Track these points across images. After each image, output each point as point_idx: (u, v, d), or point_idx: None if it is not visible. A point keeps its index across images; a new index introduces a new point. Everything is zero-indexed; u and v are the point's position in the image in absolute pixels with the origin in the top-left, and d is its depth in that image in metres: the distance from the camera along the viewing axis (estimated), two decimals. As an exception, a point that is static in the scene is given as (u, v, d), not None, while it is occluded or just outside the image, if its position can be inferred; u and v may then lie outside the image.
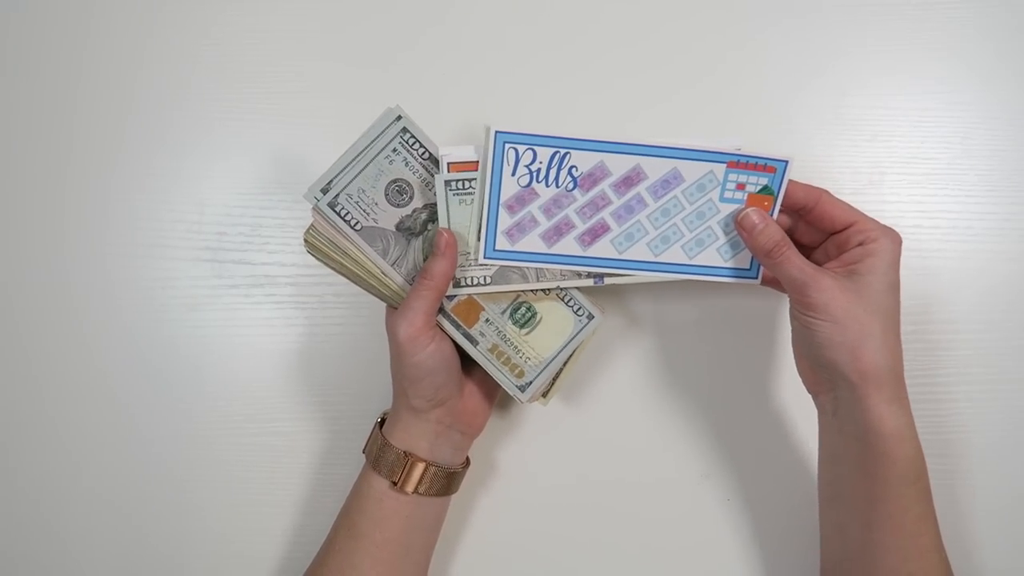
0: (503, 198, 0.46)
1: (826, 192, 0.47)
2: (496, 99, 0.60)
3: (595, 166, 0.46)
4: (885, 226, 0.46)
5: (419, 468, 0.47)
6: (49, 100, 0.60)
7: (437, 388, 0.47)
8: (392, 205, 0.46)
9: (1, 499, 0.57)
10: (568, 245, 0.48)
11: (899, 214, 0.58)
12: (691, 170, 0.47)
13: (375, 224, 0.46)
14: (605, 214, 0.47)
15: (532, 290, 0.49)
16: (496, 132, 0.45)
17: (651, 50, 0.60)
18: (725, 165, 0.47)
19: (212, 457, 0.57)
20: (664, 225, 0.48)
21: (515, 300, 0.49)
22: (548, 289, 0.49)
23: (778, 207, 0.48)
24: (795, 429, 0.57)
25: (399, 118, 0.46)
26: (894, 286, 0.45)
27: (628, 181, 0.47)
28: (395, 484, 0.47)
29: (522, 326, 0.49)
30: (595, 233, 0.47)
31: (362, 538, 0.48)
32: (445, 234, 0.46)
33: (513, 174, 0.46)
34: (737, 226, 0.47)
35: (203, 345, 0.58)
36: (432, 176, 0.47)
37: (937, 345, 0.57)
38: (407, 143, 0.46)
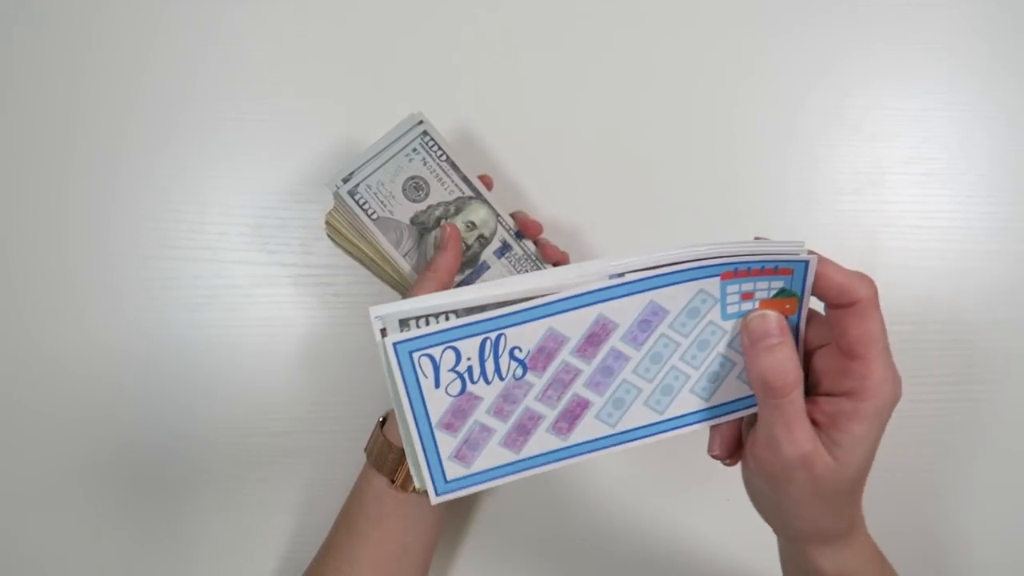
0: (435, 419, 0.35)
1: (867, 293, 0.35)
2: (496, 101, 0.60)
3: (544, 337, 0.34)
4: (891, 374, 0.36)
5: None
6: (50, 100, 0.60)
7: None
8: (408, 200, 0.49)
9: (1, 499, 0.57)
10: (542, 441, 0.36)
11: (899, 214, 0.58)
12: (673, 297, 0.34)
13: (391, 216, 0.48)
14: (577, 388, 0.36)
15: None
16: (394, 345, 0.33)
17: (651, 52, 0.60)
18: (718, 278, 0.34)
19: (212, 457, 0.57)
20: (660, 373, 0.36)
21: None
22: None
23: (803, 315, 0.36)
24: (795, 429, 0.57)
25: (420, 122, 0.49)
26: (872, 453, 0.36)
27: (593, 339, 0.35)
28: (394, 483, 0.47)
29: None
30: (572, 416, 0.36)
31: (361, 537, 0.48)
32: (449, 228, 0.47)
33: (437, 386, 0.34)
34: (742, 330, 0.35)
35: (203, 345, 0.58)
36: (449, 177, 0.49)
37: (937, 345, 0.57)
38: (426, 144, 0.49)
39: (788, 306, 0.35)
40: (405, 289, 0.50)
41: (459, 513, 0.56)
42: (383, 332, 0.34)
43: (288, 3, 0.61)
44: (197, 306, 0.58)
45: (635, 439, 0.37)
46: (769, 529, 0.56)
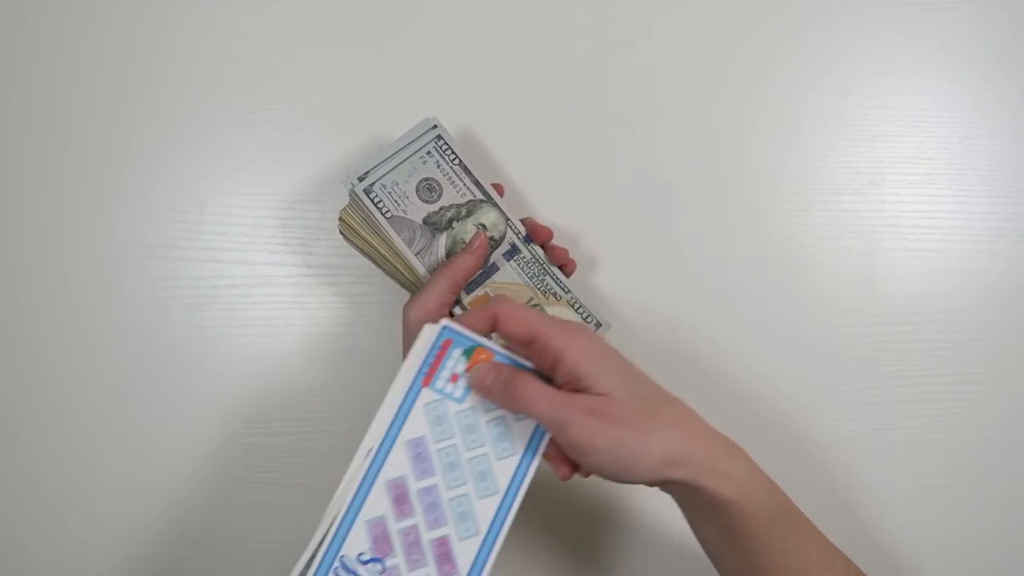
0: None
1: (500, 308, 0.40)
2: (499, 106, 0.60)
3: (368, 530, 0.39)
4: (567, 325, 0.40)
5: None
6: (50, 100, 0.60)
7: None
8: (421, 200, 0.50)
9: (1, 498, 0.57)
10: None
11: (899, 214, 0.58)
12: (415, 425, 0.40)
13: (404, 215, 0.49)
14: (426, 536, 0.39)
15: (543, 292, 0.51)
16: None
17: (651, 52, 0.60)
18: (420, 389, 0.40)
19: (212, 457, 0.57)
20: (465, 471, 0.40)
21: (528, 302, 0.51)
22: (559, 295, 0.51)
23: (494, 347, 0.41)
24: (794, 427, 0.57)
25: (434, 127, 0.50)
26: (623, 369, 0.40)
27: (400, 499, 0.40)
28: None
29: None
30: (445, 556, 0.39)
31: None
32: (482, 236, 0.49)
33: None
34: (476, 395, 0.41)
35: (204, 345, 0.58)
36: (462, 180, 0.50)
37: (937, 345, 0.57)
38: (440, 148, 0.50)
39: (483, 356, 0.41)
40: (416, 288, 0.50)
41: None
42: None
43: (289, 4, 0.61)
44: (197, 306, 0.58)
45: (502, 524, 0.40)
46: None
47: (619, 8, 0.60)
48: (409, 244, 0.49)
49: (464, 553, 0.39)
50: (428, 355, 0.40)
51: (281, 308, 0.58)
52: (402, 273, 0.51)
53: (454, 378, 0.41)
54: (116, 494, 0.57)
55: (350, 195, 0.49)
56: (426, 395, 0.40)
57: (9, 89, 0.60)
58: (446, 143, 0.50)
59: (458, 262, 0.48)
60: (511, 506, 0.40)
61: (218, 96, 0.60)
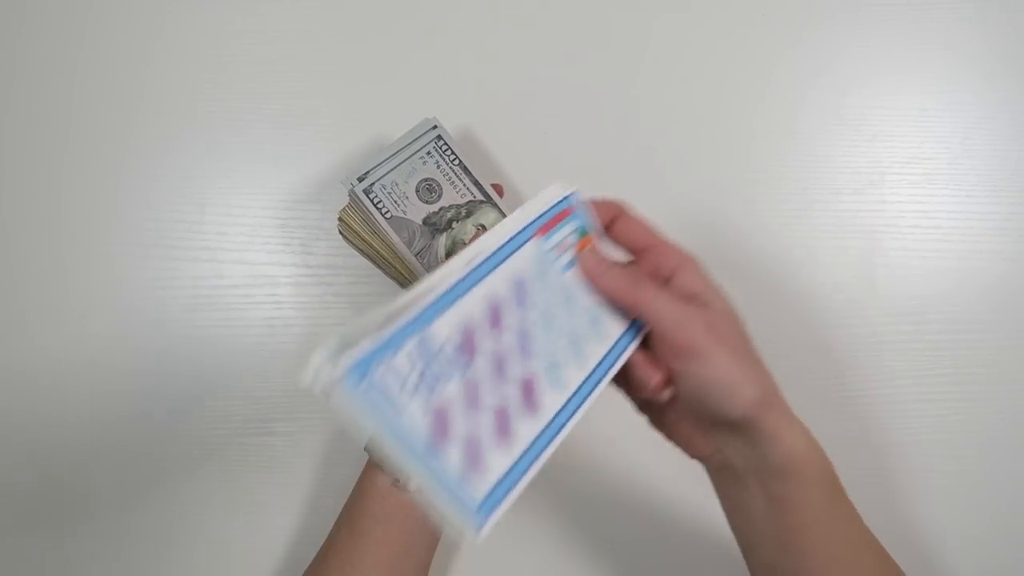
0: (424, 439, 0.32)
1: (624, 206, 0.42)
2: (498, 103, 0.60)
3: (461, 324, 0.34)
4: (672, 244, 0.42)
5: None
6: (49, 100, 0.60)
7: None
8: (421, 201, 0.50)
9: (2, 499, 0.57)
10: (524, 428, 0.35)
11: (899, 214, 0.58)
12: (519, 264, 0.37)
13: (404, 215, 0.49)
14: (514, 362, 0.36)
15: None
16: (347, 372, 0.29)
17: (651, 54, 0.60)
18: (530, 238, 0.38)
19: (212, 457, 0.57)
20: (562, 335, 0.38)
21: None
22: None
23: (601, 241, 0.41)
24: (795, 429, 0.57)
25: (434, 127, 0.50)
26: (728, 300, 0.41)
27: (494, 315, 0.36)
28: (397, 481, 0.47)
29: None
30: (528, 390, 0.36)
31: (364, 536, 0.48)
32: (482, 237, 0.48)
33: (405, 402, 0.31)
34: (584, 278, 0.40)
35: (203, 345, 0.58)
36: (461, 181, 0.50)
37: (937, 345, 0.57)
38: (440, 148, 0.50)
39: (590, 244, 0.41)
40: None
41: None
42: (329, 378, 0.29)
43: (289, 4, 0.61)
44: (197, 306, 0.58)
45: (586, 397, 0.37)
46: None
47: (618, 8, 0.60)
48: (409, 244, 0.49)
49: (549, 401, 0.36)
50: (549, 211, 0.39)
51: (281, 308, 0.58)
52: (401, 273, 0.51)
53: (561, 247, 0.39)
54: (116, 494, 0.57)
55: (350, 195, 0.49)
56: (535, 246, 0.38)
57: (9, 89, 0.60)
58: (446, 143, 0.50)
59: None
60: (597, 383, 0.38)
61: (218, 96, 0.60)
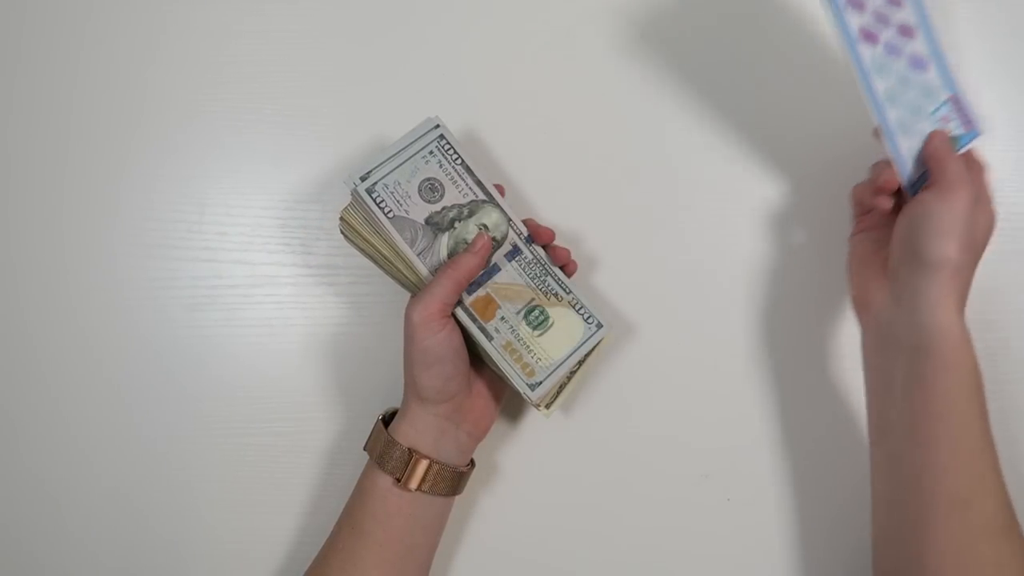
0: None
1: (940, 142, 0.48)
2: (498, 104, 0.60)
3: None
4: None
5: (423, 465, 0.47)
6: (49, 100, 0.60)
7: (446, 378, 0.48)
8: (424, 200, 0.49)
9: (1, 498, 0.57)
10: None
11: (899, 214, 0.58)
12: (930, 74, 0.49)
13: (406, 215, 0.49)
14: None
15: (545, 293, 0.51)
16: None
17: (650, 51, 0.60)
18: (948, 96, 0.50)
19: (212, 457, 0.57)
20: (902, 82, 0.49)
21: (529, 303, 0.51)
22: (560, 295, 0.51)
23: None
24: (794, 427, 0.57)
25: (437, 127, 0.50)
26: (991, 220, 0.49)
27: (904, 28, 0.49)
28: (399, 481, 0.47)
29: (535, 327, 0.50)
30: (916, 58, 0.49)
31: (365, 536, 0.47)
32: (485, 237, 0.49)
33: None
34: (931, 141, 0.48)
35: (203, 345, 0.58)
36: (464, 180, 0.50)
37: (937, 345, 0.57)
38: (442, 148, 0.50)
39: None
40: (417, 288, 0.50)
41: (459, 513, 0.56)
42: None
43: (289, 4, 0.61)
44: (197, 306, 0.58)
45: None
46: (769, 529, 0.56)
47: (617, 9, 0.60)
48: (411, 244, 0.49)
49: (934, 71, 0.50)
50: (970, 113, 0.51)
51: (281, 308, 0.58)
52: (403, 274, 0.50)
53: (945, 119, 0.50)
54: (116, 494, 0.57)
55: (352, 195, 0.49)
56: (939, 90, 0.50)
57: (9, 89, 0.60)
58: (448, 143, 0.50)
59: (461, 262, 0.48)
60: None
61: (218, 96, 0.60)
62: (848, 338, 0.58)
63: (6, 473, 0.57)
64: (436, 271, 0.49)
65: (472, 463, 0.52)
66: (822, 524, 0.56)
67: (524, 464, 0.57)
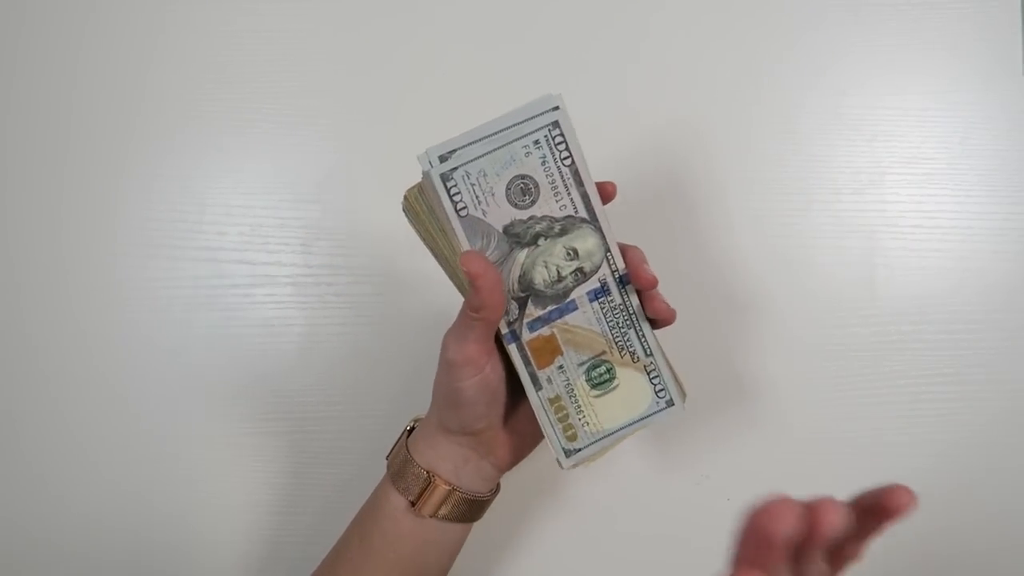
0: None
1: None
2: (499, 103, 0.60)
3: None
4: None
5: (441, 491, 0.42)
6: (49, 100, 0.60)
7: (474, 419, 0.42)
8: (509, 203, 0.39)
9: (1, 498, 0.57)
10: None
11: (899, 214, 0.58)
12: None
13: (482, 217, 0.39)
14: None
15: (620, 348, 0.42)
16: None
17: (651, 53, 0.60)
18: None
19: (212, 458, 0.57)
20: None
21: (598, 355, 0.42)
22: (638, 356, 0.42)
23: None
24: (794, 427, 0.57)
25: (556, 108, 0.38)
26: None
27: None
28: (413, 504, 0.43)
29: (595, 386, 0.42)
30: None
31: (375, 553, 0.45)
32: (491, 274, 0.38)
33: None
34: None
35: (204, 345, 0.58)
36: (567, 189, 0.39)
37: (937, 345, 0.57)
38: (553, 140, 0.38)
39: None
40: None
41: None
42: None
43: (289, 4, 0.61)
44: (197, 306, 0.58)
45: None
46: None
47: (616, 9, 0.60)
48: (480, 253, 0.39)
49: None
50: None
51: (281, 308, 0.58)
52: (460, 280, 0.42)
53: None
54: (116, 494, 0.57)
55: (424, 176, 0.38)
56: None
57: (8, 89, 0.60)
58: (562, 135, 0.38)
59: (484, 307, 0.38)
60: None
61: (218, 96, 0.60)
62: (851, 338, 0.58)
63: (6, 473, 0.57)
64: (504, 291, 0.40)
65: (497, 488, 0.47)
66: (822, 524, 0.56)
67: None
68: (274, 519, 0.57)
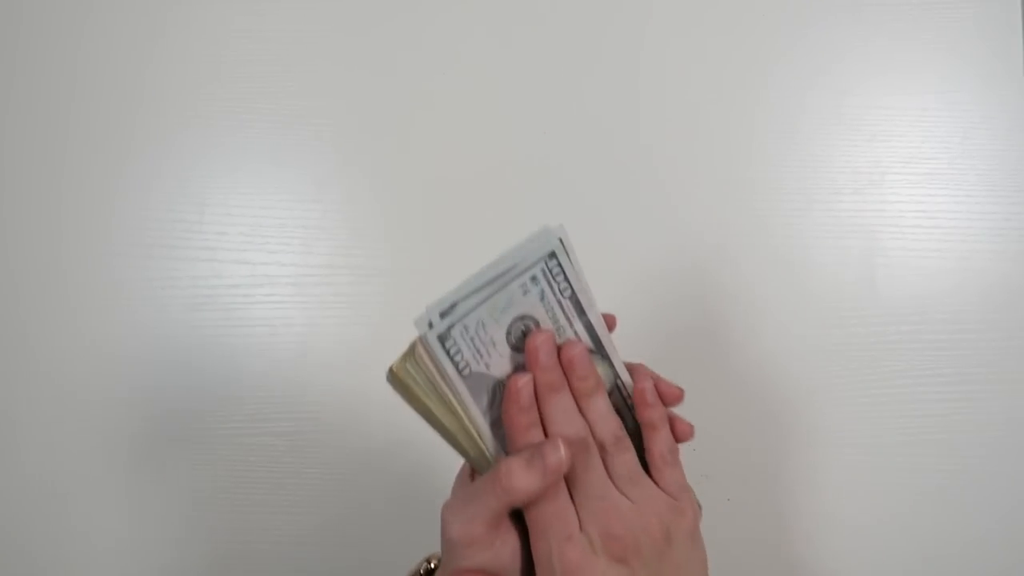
0: None
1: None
2: (499, 102, 0.60)
3: None
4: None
5: None
6: (50, 101, 0.60)
7: None
8: (512, 348, 0.35)
9: (1, 498, 0.57)
10: None
11: (899, 214, 0.58)
12: None
13: (485, 371, 0.35)
14: None
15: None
16: None
17: (650, 53, 0.60)
18: None
19: (212, 457, 0.57)
20: None
21: None
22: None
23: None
24: (794, 426, 0.57)
25: (557, 240, 0.35)
26: None
27: None
28: None
29: None
30: None
31: None
32: (561, 453, 0.33)
33: None
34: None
35: (203, 345, 0.58)
36: (570, 322, 0.36)
37: (937, 345, 0.57)
38: (551, 273, 0.35)
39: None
40: (479, 466, 0.36)
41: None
42: None
43: (289, 4, 0.61)
44: (197, 306, 0.58)
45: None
46: (769, 529, 0.56)
47: (616, 8, 0.60)
48: (486, 412, 0.35)
49: None
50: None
51: (281, 308, 0.58)
52: (463, 447, 0.36)
53: None
54: (116, 493, 0.57)
55: (420, 342, 0.34)
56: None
57: (8, 89, 0.60)
58: (560, 267, 0.35)
59: (516, 482, 0.32)
60: None
61: (217, 96, 0.60)
62: (851, 337, 0.58)
63: (6, 473, 0.57)
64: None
65: None
66: (821, 524, 0.56)
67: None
68: (274, 519, 0.57)
